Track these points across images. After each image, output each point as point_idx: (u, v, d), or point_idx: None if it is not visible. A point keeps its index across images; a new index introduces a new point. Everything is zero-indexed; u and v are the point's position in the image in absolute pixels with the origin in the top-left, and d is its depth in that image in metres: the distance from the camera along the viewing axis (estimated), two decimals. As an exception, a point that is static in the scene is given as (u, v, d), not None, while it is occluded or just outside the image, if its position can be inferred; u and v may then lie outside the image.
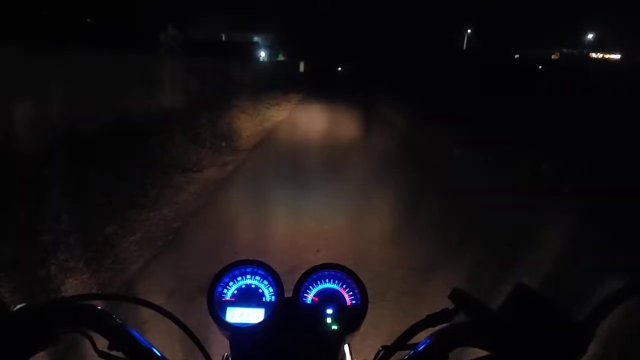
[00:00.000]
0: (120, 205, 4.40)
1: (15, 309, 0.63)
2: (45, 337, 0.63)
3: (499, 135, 8.14)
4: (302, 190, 5.22)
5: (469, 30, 38.17)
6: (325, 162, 6.87)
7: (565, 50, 39.72)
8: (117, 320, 0.66)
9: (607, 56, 38.92)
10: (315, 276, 0.88)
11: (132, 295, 0.75)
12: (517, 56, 34.40)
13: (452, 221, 4.45)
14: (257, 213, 4.48)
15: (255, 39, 34.26)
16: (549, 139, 7.31)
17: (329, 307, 0.85)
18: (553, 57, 38.36)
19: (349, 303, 0.87)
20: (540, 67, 24.60)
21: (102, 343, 0.62)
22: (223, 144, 7.86)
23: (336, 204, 4.76)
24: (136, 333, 0.67)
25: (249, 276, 0.89)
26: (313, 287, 0.88)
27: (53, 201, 4.09)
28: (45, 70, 5.75)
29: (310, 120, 11.70)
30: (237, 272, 0.89)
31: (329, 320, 0.83)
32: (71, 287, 2.91)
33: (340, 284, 0.89)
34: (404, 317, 2.60)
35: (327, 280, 0.89)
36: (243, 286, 0.88)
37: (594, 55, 38.01)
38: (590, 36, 40.44)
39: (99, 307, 0.67)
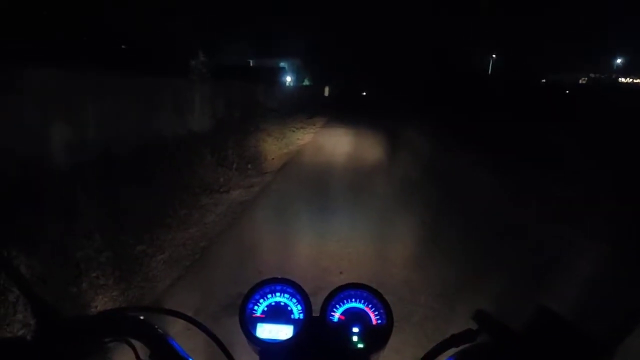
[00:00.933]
0: (149, 225, 4.52)
1: (68, 317, 0.69)
2: (94, 344, 0.69)
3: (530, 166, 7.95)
4: (325, 214, 5.26)
5: (494, 55, 38.07)
6: (348, 186, 6.90)
7: (593, 75, 39.13)
8: (159, 330, 0.72)
9: (636, 81, 38.15)
10: (342, 295, 0.91)
11: (173, 309, 0.80)
12: (544, 80, 34.04)
13: (470, 243, 4.40)
14: (280, 234, 4.54)
15: (282, 64, 35.02)
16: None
17: (355, 326, 0.87)
18: (581, 81, 37.80)
19: (374, 322, 0.88)
20: (567, 91, 24.28)
21: (145, 352, 0.68)
22: (249, 166, 8.01)
23: (358, 228, 4.77)
24: (175, 343, 0.72)
25: (278, 294, 0.93)
26: (340, 305, 0.90)
27: (85, 220, 4.24)
28: (81, 92, 6.02)
29: (333, 144, 11.80)
30: (267, 290, 0.93)
31: (355, 338, 0.86)
32: (101, 303, 3.00)
33: (366, 303, 0.91)
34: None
35: (353, 300, 0.91)
36: (273, 303, 0.92)
37: (622, 80, 37.30)
38: (619, 61, 39.78)
39: (142, 318, 0.73)
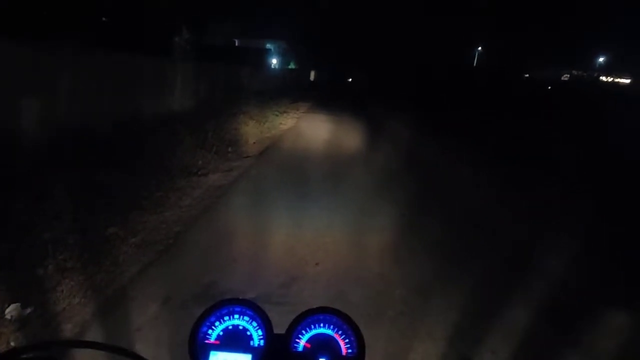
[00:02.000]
0: (123, 207, 4.39)
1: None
2: None
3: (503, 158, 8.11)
4: (303, 202, 5.21)
5: (479, 48, 38.23)
6: (327, 173, 6.85)
7: (575, 72, 39.69)
8: None
9: (617, 80, 38.89)
10: (309, 320, 0.82)
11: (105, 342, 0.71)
12: (527, 76, 34.38)
13: (448, 235, 4.43)
14: (257, 221, 4.48)
15: (268, 45, 34.50)
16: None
17: (322, 357, 0.78)
18: (563, 78, 38.33)
19: (344, 352, 0.80)
20: (549, 87, 24.60)
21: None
22: (229, 149, 7.88)
23: (335, 217, 4.74)
24: None
25: (237, 316, 0.83)
26: (306, 331, 0.82)
27: (56, 199, 4.10)
28: (55, 68, 5.80)
29: (315, 130, 11.71)
30: (224, 311, 0.83)
31: None
32: (67, 288, 2.90)
33: (336, 329, 0.82)
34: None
35: (321, 325, 0.83)
36: (230, 327, 0.82)
37: (603, 78, 37.95)
38: (601, 59, 40.41)
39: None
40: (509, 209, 5.65)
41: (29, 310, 2.58)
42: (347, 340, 0.81)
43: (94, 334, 2.42)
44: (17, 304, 2.58)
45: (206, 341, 0.80)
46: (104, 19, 13.16)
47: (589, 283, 3.54)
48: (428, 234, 4.47)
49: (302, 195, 5.45)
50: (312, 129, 11.93)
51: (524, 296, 3.12)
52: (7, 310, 2.54)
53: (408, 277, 3.45)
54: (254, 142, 9.15)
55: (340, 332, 0.82)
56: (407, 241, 4.23)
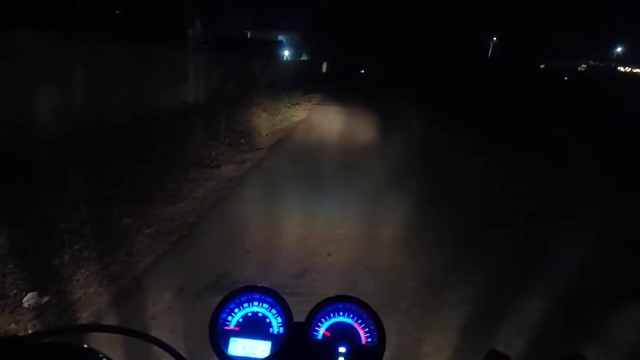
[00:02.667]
0: (137, 198, 4.45)
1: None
2: None
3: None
4: (316, 194, 5.20)
5: (494, 38, 37.65)
6: (340, 166, 6.81)
7: (592, 63, 38.93)
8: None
9: (635, 70, 38.06)
10: (328, 308, 0.81)
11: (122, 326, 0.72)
12: (542, 66, 33.82)
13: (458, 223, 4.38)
14: (270, 212, 4.48)
15: (280, 37, 34.41)
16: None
17: (341, 345, 0.77)
18: (580, 68, 37.64)
19: (364, 342, 0.79)
20: (566, 78, 24.16)
21: None
22: (242, 141, 7.90)
23: (348, 209, 4.72)
24: None
25: (256, 303, 0.82)
26: (325, 319, 0.81)
27: (72, 189, 4.16)
28: (72, 59, 5.86)
29: (328, 122, 11.68)
30: (244, 298, 0.82)
31: (341, 359, 0.76)
32: (83, 277, 2.94)
33: (356, 318, 0.81)
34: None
35: (341, 314, 0.82)
36: (249, 314, 0.82)
37: (621, 68, 37.16)
38: (619, 49, 39.57)
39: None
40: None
41: (46, 298, 2.63)
42: (366, 330, 0.80)
43: (109, 322, 2.46)
44: (34, 292, 2.63)
45: (226, 327, 0.80)
46: (117, 11, 13.25)
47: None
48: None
49: (314, 188, 5.44)
50: (324, 121, 11.90)
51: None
52: (24, 299, 2.59)
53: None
54: (267, 134, 9.16)
55: (360, 321, 0.81)
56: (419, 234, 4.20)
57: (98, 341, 1.05)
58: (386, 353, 0.76)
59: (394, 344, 2.23)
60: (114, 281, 2.95)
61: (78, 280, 2.90)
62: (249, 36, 32.56)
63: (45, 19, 7.73)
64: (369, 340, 0.79)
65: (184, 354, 0.68)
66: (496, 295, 3.01)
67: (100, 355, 0.59)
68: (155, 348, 0.67)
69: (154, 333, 0.65)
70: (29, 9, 7.54)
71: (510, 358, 0.67)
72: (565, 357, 0.59)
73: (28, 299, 2.58)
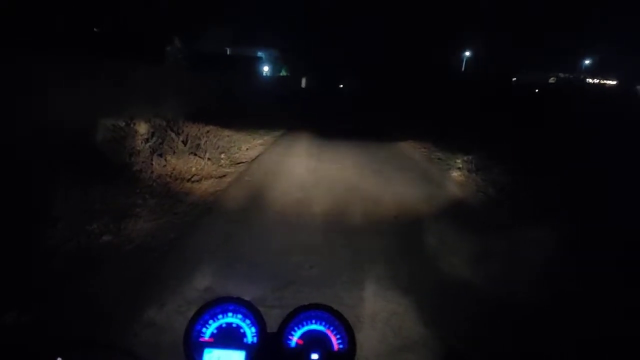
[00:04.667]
0: (117, 215, 4.42)
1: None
2: None
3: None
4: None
5: (467, 53, 38.65)
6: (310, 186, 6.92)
7: (562, 75, 40.20)
8: None
9: (603, 81, 39.48)
10: (301, 316, 0.84)
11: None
12: (514, 79, 34.81)
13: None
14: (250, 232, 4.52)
15: (260, 53, 34.62)
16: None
17: (314, 352, 0.80)
18: (550, 81, 38.82)
19: (335, 348, 0.82)
20: (537, 90, 24.95)
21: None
22: (222, 156, 7.93)
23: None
24: None
25: (230, 314, 0.85)
26: (298, 328, 0.84)
27: (50, 207, 4.12)
28: (46, 75, 5.81)
29: (306, 133, 11.81)
30: (218, 310, 0.85)
31: None
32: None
33: (327, 325, 0.84)
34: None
35: (313, 322, 0.85)
36: (224, 325, 0.84)
37: (590, 80, 38.49)
38: (587, 62, 41.07)
39: None
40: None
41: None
42: (338, 336, 0.83)
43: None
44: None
45: (200, 339, 0.82)
46: (95, 29, 13.22)
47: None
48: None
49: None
50: (302, 135, 11.97)
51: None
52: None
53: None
54: (247, 148, 9.21)
55: (331, 328, 0.84)
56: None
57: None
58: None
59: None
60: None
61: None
62: (228, 52, 32.66)
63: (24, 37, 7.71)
64: (341, 346, 0.82)
65: None
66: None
67: None
68: None
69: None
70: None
71: None
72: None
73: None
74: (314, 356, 0.80)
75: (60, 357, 0.64)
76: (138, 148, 6.61)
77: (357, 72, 35.48)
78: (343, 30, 36.85)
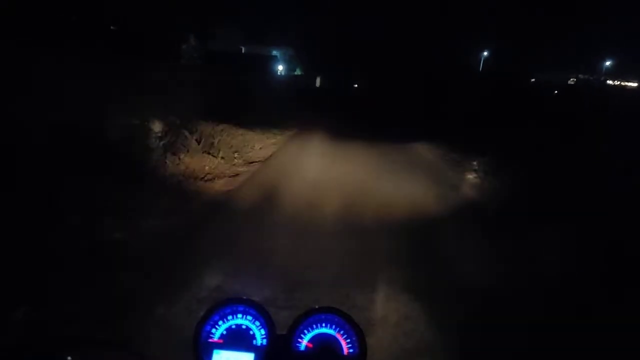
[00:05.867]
0: (130, 213, 4.45)
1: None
2: None
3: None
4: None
5: (485, 53, 38.18)
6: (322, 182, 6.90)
7: (581, 76, 39.47)
8: None
9: (624, 83, 38.63)
10: (311, 320, 0.83)
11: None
12: (533, 80, 34.24)
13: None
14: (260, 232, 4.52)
15: (274, 52, 34.68)
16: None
17: (324, 356, 0.79)
18: (570, 82, 38.15)
19: (345, 352, 0.81)
20: (556, 91, 24.48)
21: None
22: (235, 155, 7.96)
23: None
24: None
25: (240, 315, 0.84)
26: (308, 331, 0.82)
27: (62, 207, 4.16)
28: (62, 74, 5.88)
29: (320, 133, 11.82)
30: (228, 311, 0.84)
31: None
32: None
33: (337, 329, 0.83)
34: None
35: (323, 325, 0.83)
36: (233, 326, 0.83)
37: (610, 82, 37.68)
38: (608, 63, 40.22)
39: None
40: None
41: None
42: (348, 340, 0.81)
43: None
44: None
45: (210, 340, 0.81)
46: (112, 27, 13.37)
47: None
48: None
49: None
50: (316, 131, 12.00)
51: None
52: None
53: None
54: (261, 148, 9.23)
55: (342, 332, 0.82)
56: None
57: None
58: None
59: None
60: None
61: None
62: (243, 51, 32.79)
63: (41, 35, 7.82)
64: (351, 350, 0.80)
65: None
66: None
67: None
68: None
69: None
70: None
71: None
72: None
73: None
74: None
75: (70, 356, 0.63)
76: (152, 146, 6.64)
77: (372, 72, 35.31)
78: (359, 30, 36.58)
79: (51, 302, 2.73)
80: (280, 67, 33.82)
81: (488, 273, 3.63)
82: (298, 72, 36.91)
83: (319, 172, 7.32)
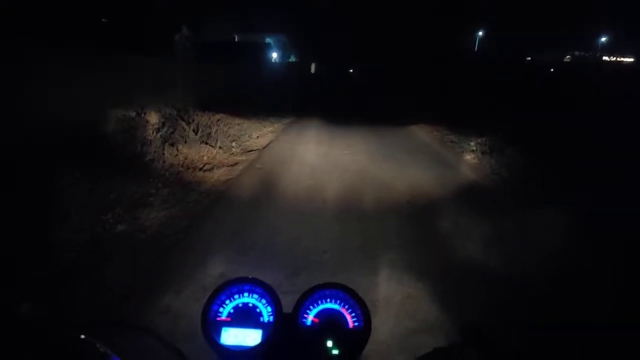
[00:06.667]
0: (131, 204, 4.46)
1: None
2: None
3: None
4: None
5: (480, 33, 37.91)
6: (322, 167, 6.91)
7: (577, 53, 39.26)
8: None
9: (620, 59, 38.42)
10: (315, 295, 0.84)
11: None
12: (529, 58, 34.05)
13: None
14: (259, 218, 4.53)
15: (268, 40, 34.37)
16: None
17: (329, 330, 0.80)
18: (565, 59, 37.97)
19: (350, 325, 0.82)
20: (552, 69, 24.41)
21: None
22: (233, 144, 7.94)
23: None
24: None
25: (246, 294, 0.85)
26: (314, 307, 0.84)
27: (63, 200, 4.16)
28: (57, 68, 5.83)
29: (313, 128, 11.77)
30: (234, 290, 0.85)
31: (329, 344, 0.78)
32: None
33: (342, 304, 0.84)
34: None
35: (328, 300, 0.85)
36: (240, 305, 0.84)
37: (606, 58, 37.46)
38: (603, 39, 39.98)
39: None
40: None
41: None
42: (353, 314, 0.83)
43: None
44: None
45: (217, 318, 0.83)
46: (103, 20, 13.20)
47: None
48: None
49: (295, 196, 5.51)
50: (315, 116, 11.97)
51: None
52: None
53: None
54: (258, 136, 9.20)
55: (346, 307, 0.84)
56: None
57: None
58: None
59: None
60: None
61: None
62: (236, 39, 32.50)
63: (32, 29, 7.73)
64: (356, 324, 0.82)
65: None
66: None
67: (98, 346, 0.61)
68: None
69: None
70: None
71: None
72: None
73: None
74: (330, 334, 0.80)
75: (84, 334, 0.63)
76: (149, 138, 6.62)
77: (367, 57, 35.08)
78: (352, 14, 36.25)
79: (54, 295, 2.76)
80: (274, 55, 33.54)
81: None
82: (293, 59, 36.65)
83: (316, 157, 7.34)
